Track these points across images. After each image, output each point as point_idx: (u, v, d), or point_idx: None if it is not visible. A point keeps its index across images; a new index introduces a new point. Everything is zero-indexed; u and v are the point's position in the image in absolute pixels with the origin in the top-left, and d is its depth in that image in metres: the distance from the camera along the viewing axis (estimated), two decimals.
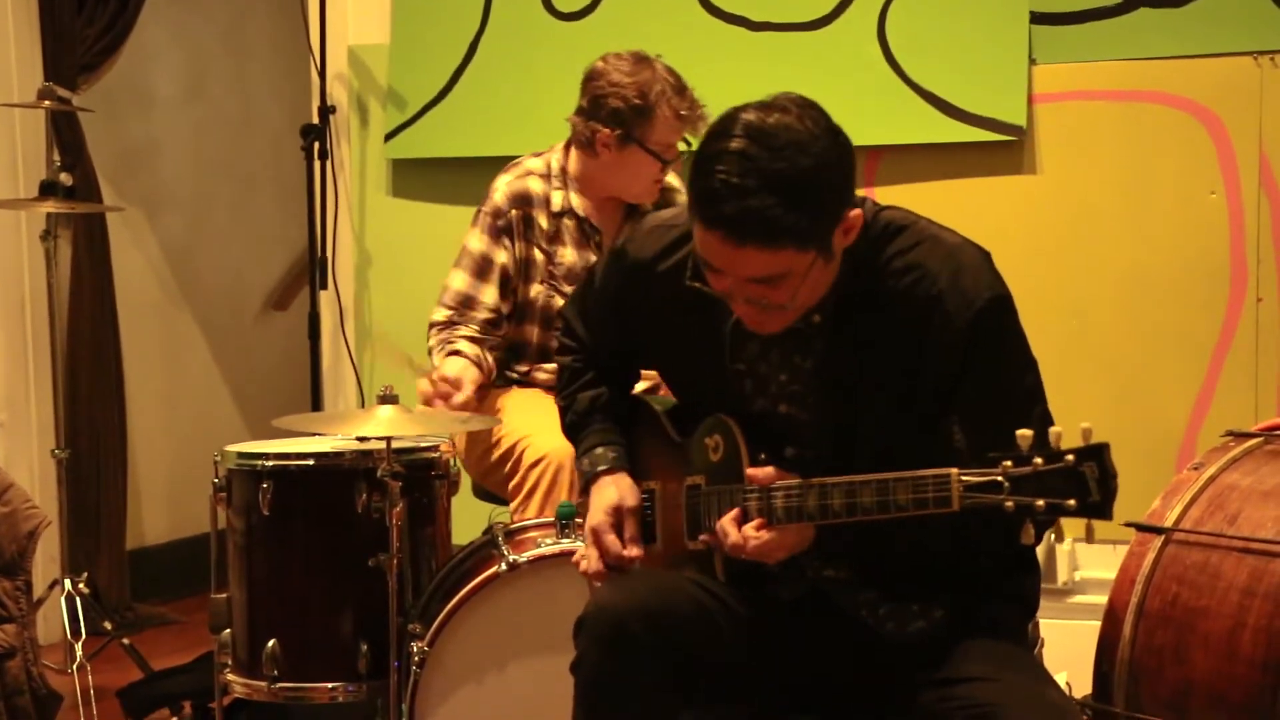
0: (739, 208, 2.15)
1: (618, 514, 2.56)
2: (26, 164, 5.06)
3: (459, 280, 3.79)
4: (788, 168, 2.16)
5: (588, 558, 2.56)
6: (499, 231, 3.78)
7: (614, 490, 2.59)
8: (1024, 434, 2.09)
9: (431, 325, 3.81)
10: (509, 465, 3.68)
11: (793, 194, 2.16)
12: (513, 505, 3.66)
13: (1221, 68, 4.12)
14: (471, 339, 3.74)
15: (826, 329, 2.36)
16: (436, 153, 4.86)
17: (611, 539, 2.54)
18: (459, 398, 3.52)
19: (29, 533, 3.09)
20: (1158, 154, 4.20)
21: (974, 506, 2.11)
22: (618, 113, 3.69)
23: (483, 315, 3.76)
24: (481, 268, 3.78)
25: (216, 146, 6.36)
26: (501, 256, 3.77)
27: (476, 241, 3.80)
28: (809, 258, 2.22)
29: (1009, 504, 2.08)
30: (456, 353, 3.69)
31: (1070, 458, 2.06)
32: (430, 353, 3.78)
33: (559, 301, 3.80)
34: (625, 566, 2.54)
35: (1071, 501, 2.06)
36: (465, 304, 3.77)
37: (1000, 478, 2.09)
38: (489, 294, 3.77)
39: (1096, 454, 2.06)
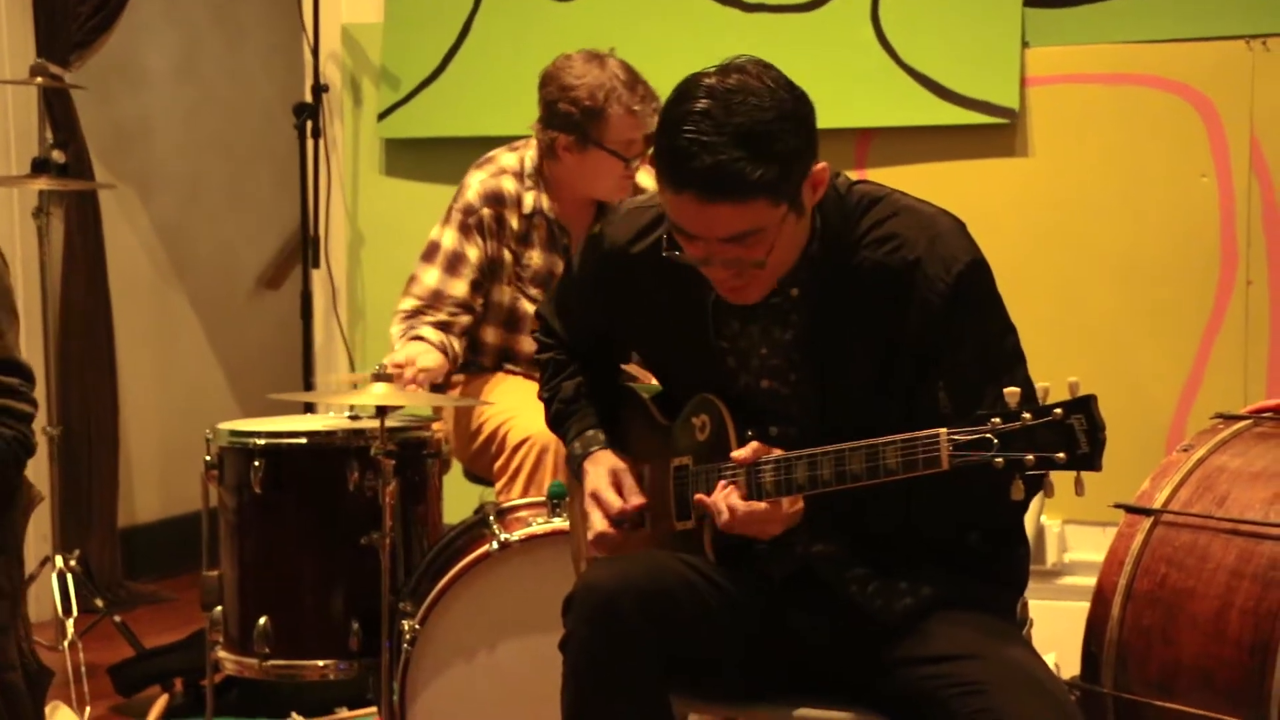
0: (706, 164, 2.17)
1: (615, 476, 2.59)
2: (19, 141, 5.06)
3: (430, 276, 3.75)
4: (749, 121, 2.18)
5: (591, 522, 2.57)
6: (470, 228, 3.75)
7: (607, 462, 2.61)
8: (1011, 391, 2.10)
9: (396, 313, 3.77)
10: (494, 447, 3.68)
11: (757, 145, 2.18)
12: (498, 487, 3.66)
13: (1214, 51, 4.12)
14: (437, 326, 3.71)
15: (805, 302, 2.38)
16: (430, 132, 4.86)
17: (611, 495, 2.56)
18: (408, 372, 3.50)
19: (21, 509, 3.09)
20: (1149, 137, 4.20)
21: (963, 465, 2.12)
22: (570, 117, 3.66)
23: (450, 308, 3.73)
24: (452, 263, 3.75)
25: (209, 125, 6.35)
26: (473, 253, 3.74)
27: (449, 238, 3.76)
28: (780, 211, 2.23)
29: (998, 460, 2.09)
30: (418, 338, 3.67)
31: (1058, 411, 2.07)
32: (393, 341, 3.75)
33: (524, 304, 3.79)
34: (628, 518, 2.55)
35: (1061, 454, 2.07)
36: (434, 298, 3.73)
37: (989, 434, 2.10)
38: (459, 288, 3.73)
39: (1084, 406, 2.07)
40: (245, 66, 6.52)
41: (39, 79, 4.58)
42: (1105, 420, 2.09)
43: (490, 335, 3.83)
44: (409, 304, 3.75)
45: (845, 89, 4.34)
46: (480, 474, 3.86)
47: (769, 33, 4.48)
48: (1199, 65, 4.14)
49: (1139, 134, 4.21)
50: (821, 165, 2.29)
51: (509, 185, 3.79)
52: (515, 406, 3.66)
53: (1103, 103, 4.24)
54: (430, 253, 3.78)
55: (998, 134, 4.32)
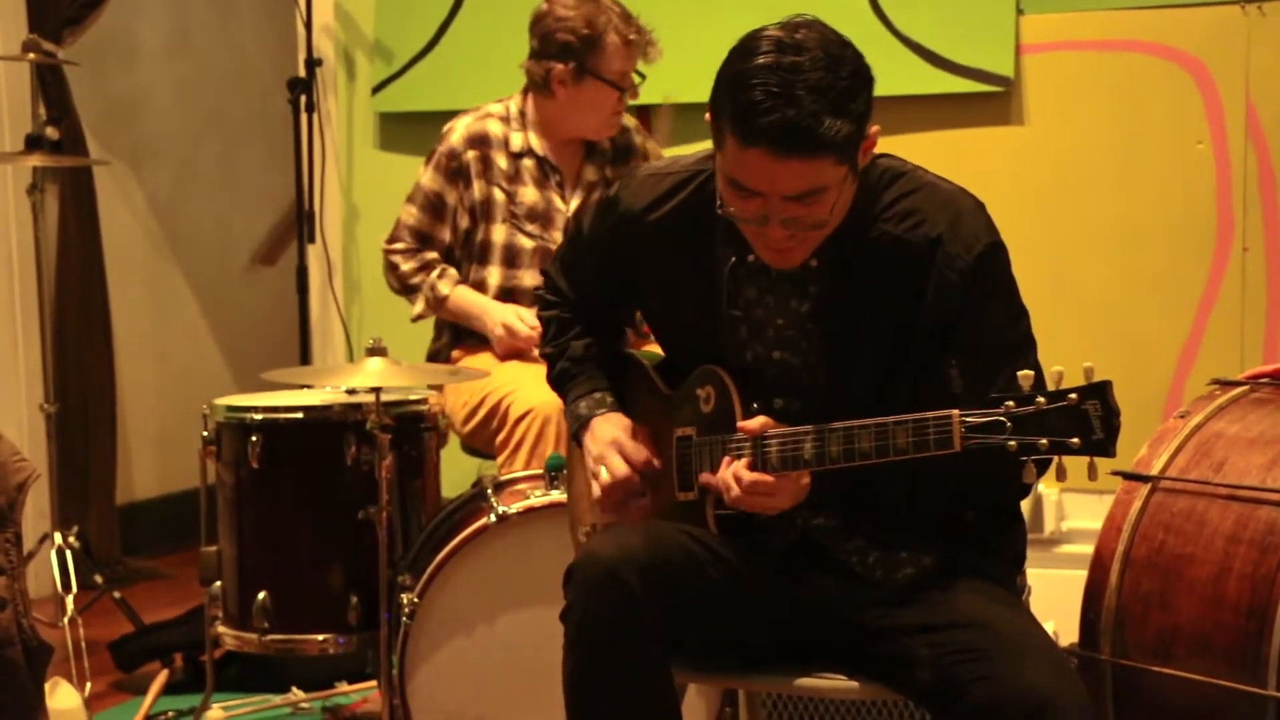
0: (784, 116, 2.14)
1: (634, 431, 2.57)
2: (12, 118, 5.04)
3: (412, 216, 3.87)
4: (827, 76, 2.16)
5: (611, 467, 2.52)
6: (453, 174, 3.83)
7: (615, 424, 2.59)
8: (1025, 374, 2.09)
9: (392, 252, 3.89)
10: (496, 421, 3.68)
11: (834, 101, 2.16)
12: (500, 460, 3.66)
13: (1209, 17, 4.11)
14: (444, 269, 3.86)
15: (824, 273, 2.37)
16: (424, 106, 4.84)
17: (634, 445, 2.53)
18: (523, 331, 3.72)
19: (18, 485, 3.08)
20: (1145, 104, 4.20)
21: (976, 447, 2.11)
22: (568, 46, 3.73)
23: (439, 251, 3.87)
24: (434, 205, 3.86)
25: (203, 99, 6.33)
26: (452, 197, 3.83)
27: (429, 179, 3.86)
28: (843, 171, 2.22)
29: (1012, 444, 2.08)
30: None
31: (1073, 396, 2.06)
32: (412, 280, 3.87)
33: (522, 240, 3.82)
34: (653, 472, 2.52)
35: (1075, 440, 2.06)
36: (423, 240, 3.86)
37: (1003, 418, 2.09)
38: (444, 233, 3.86)
39: (1099, 391, 2.06)
40: (238, 41, 6.50)
41: (31, 55, 4.57)
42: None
43: (494, 276, 3.84)
44: (402, 244, 3.89)
45: None
46: (480, 448, 3.86)
47: (764, 1, 4.45)
48: (1194, 31, 4.13)
49: (1134, 101, 4.20)
50: (875, 128, 2.27)
51: (495, 127, 3.85)
52: (515, 379, 3.66)
53: (1098, 69, 4.23)
54: (414, 194, 3.90)
55: (993, 102, 4.31)
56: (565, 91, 3.76)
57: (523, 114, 3.86)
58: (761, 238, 2.30)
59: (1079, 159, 4.26)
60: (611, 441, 2.56)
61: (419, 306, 3.88)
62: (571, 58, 3.72)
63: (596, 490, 2.56)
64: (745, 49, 2.22)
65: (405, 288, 3.89)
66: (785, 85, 2.15)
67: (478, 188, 3.80)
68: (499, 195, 3.81)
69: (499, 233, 3.82)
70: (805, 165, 2.17)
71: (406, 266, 3.86)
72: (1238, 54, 4.08)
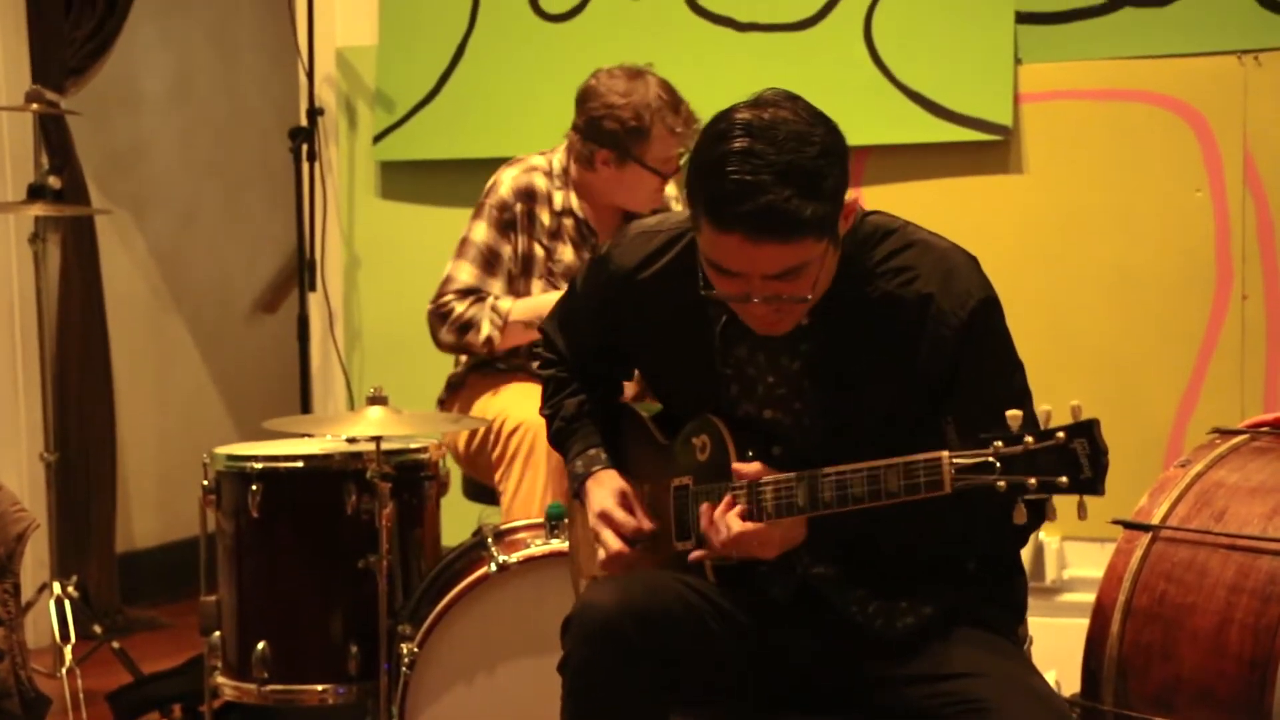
0: (757, 205, 2.15)
1: (623, 497, 2.57)
2: (15, 167, 5.05)
3: (465, 272, 3.76)
4: (797, 158, 2.17)
5: (604, 542, 2.54)
6: (505, 225, 3.78)
7: (613, 482, 2.60)
8: (1014, 414, 2.09)
9: (443, 305, 3.74)
10: (490, 437, 3.71)
11: (806, 183, 2.16)
12: (497, 476, 3.69)
13: (1206, 66, 4.13)
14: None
15: (814, 331, 2.37)
16: (425, 154, 4.86)
17: (622, 514, 2.54)
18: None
19: (18, 535, 3.09)
20: (1143, 153, 4.21)
21: (966, 488, 2.11)
22: (614, 135, 3.71)
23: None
24: (489, 260, 3.77)
25: (205, 148, 6.36)
26: (506, 250, 3.78)
27: (481, 233, 3.79)
28: (823, 245, 2.23)
29: (1001, 484, 2.08)
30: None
31: (1061, 435, 2.06)
32: (468, 316, 3.71)
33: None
34: (643, 538, 2.53)
35: (1063, 479, 2.06)
36: (473, 293, 3.76)
37: (991, 458, 2.09)
38: (497, 287, 3.77)
39: (1087, 430, 2.06)
40: (240, 90, 6.52)
41: (34, 105, 4.58)
42: (1102, 433, 2.08)
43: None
44: (452, 296, 3.74)
45: (839, 107, 4.22)
46: (479, 477, 3.87)
47: (762, 52, 4.48)
48: (1192, 80, 4.14)
49: (1133, 149, 4.22)
50: (852, 195, 2.28)
51: (540, 182, 3.82)
52: (507, 400, 3.70)
53: (1096, 118, 4.25)
54: (464, 249, 3.80)
55: (992, 151, 4.33)
56: (608, 171, 3.75)
57: (565, 172, 3.84)
58: (746, 312, 2.32)
59: (1078, 207, 4.27)
60: (600, 514, 2.56)
61: (485, 331, 3.71)
62: (617, 146, 3.71)
63: (602, 554, 2.56)
64: (716, 133, 2.22)
65: (462, 326, 3.73)
66: (756, 171, 2.15)
67: (521, 242, 3.79)
68: (539, 251, 3.81)
69: (536, 289, 3.82)
70: (782, 248, 2.19)
71: (460, 306, 3.73)
72: (1235, 103, 4.10)
